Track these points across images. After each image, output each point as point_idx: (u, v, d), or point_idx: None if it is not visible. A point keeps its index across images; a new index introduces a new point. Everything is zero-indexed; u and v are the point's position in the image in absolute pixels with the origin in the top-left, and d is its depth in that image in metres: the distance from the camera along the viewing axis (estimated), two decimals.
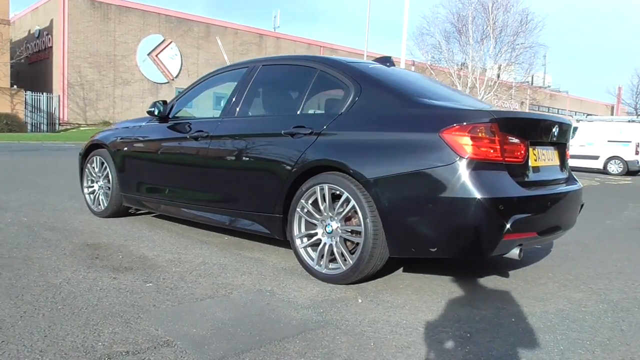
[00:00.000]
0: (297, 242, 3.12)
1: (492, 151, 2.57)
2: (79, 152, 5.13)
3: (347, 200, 2.85)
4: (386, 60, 3.65)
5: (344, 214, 2.89)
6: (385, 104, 2.93)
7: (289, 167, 3.14)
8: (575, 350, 2.20)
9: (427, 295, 2.85)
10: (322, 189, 2.98)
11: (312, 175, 3.07)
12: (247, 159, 3.45)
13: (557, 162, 3.15)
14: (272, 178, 3.26)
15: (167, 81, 31.21)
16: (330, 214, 2.97)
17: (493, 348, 2.17)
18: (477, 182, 2.50)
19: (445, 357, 2.09)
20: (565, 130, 3.18)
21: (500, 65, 24.17)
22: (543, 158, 2.97)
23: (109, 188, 4.63)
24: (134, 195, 4.41)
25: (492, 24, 22.44)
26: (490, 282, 3.19)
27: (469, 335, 2.31)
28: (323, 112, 3.35)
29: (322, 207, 2.99)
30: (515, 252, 2.65)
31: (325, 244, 2.99)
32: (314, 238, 3.05)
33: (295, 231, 3.13)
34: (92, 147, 4.89)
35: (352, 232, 2.88)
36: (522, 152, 2.71)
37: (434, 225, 2.61)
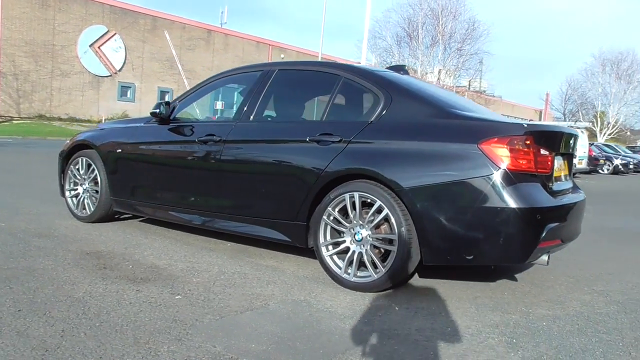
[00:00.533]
0: (323, 250, 3.11)
1: (527, 162, 2.68)
2: (59, 153, 4.82)
3: (380, 209, 2.88)
4: (399, 69, 3.70)
5: (375, 222, 2.91)
6: (418, 114, 2.98)
7: (315, 175, 3.12)
8: (614, 352, 2.34)
9: (456, 301, 2.93)
10: (351, 197, 2.98)
11: (340, 183, 3.06)
12: (268, 165, 3.39)
13: (566, 171, 3.33)
14: (295, 185, 3.22)
15: (109, 74, 29.89)
16: (360, 221, 2.98)
17: (543, 353, 2.27)
18: (516, 192, 2.61)
19: None
20: (575, 141, 3.37)
21: (440, 69, 24.96)
22: (558, 168, 3.14)
23: (97, 192, 4.39)
24: (128, 200, 4.20)
25: (441, 29, 23.25)
26: (504, 286, 3.32)
27: (514, 340, 2.40)
28: (349, 119, 3.34)
29: (351, 215, 3.00)
30: (544, 259, 2.79)
31: (354, 251, 3.00)
32: (342, 246, 3.05)
33: (321, 239, 3.11)
34: (77, 148, 4.61)
35: (383, 240, 2.91)
36: (549, 163, 2.85)
37: (472, 234, 2.69)
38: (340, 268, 3.04)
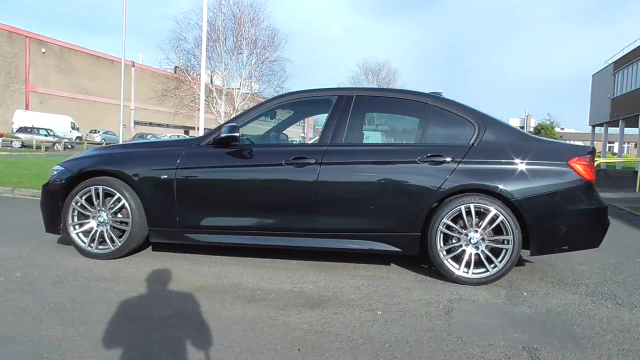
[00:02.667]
0: (441, 255, 3.61)
1: (592, 173, 3.72)
2: (45, 185, 4.06)
3: (495, 216, 3.54)
4: (439, 94, 4.37)
5: (490, 228, 3.57)
6: (509, 139, 3.73)
7: (432, 190, 3.58)
8: None
9: (539, 281, 3.78)
10: (467, 208, 3.57)
11: (450, 197, 3.61)
12: (378, 184, 3.66)
13: None
14: (410, 200, 3.61)
15: None
16: (475, 228, 3.59)
17: None
18: (596, 196, 3.64)
19: None
20: None
21: (245, 76, 25.40)
22: None
23: (123, 222, 3.84)
24: (177, 229, 3.82)
25: (245, 35, 23.85)
26: (536, 267, 4.32)
27: (618, 302, 3.35)
28: (448, 143, 3.83)
29: (467, 223, 3.58)
30: None
31: (470, 253, 3.59)
32: (459, 250, 3.60)
33: (438, 246, 3.60)
34: (83, 176, 3.91)
35: (496, 240, 3.59)
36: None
37: (569, 229, 3.59)
38: (457, 268, 3.59)
